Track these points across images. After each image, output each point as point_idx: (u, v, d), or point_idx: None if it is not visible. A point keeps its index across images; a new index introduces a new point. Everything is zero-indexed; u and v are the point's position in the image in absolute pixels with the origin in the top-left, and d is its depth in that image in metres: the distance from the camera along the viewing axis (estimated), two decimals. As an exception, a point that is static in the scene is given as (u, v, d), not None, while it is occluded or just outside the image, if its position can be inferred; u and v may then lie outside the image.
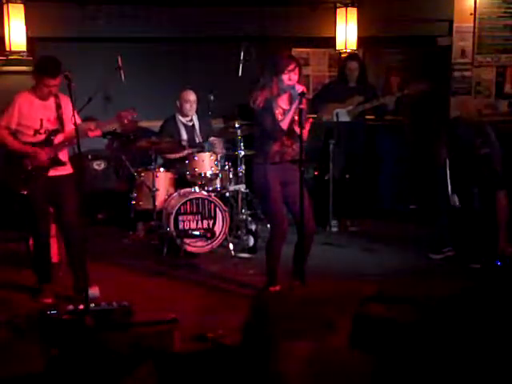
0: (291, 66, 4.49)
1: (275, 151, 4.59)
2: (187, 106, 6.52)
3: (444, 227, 5.77)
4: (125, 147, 6.51)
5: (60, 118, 4.67)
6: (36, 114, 4.61)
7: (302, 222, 4.28)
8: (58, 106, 4.67)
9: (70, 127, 4.63)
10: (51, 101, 4.66)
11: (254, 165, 4.76)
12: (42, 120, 4.61)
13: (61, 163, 4.71)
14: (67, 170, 4.79)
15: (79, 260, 4.50)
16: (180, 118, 6.59)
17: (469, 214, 5.51)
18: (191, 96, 6.52)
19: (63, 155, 4.76)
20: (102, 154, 7.25)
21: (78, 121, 4.67)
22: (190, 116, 6.60)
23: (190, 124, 6.62)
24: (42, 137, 4.63)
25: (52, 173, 4.70)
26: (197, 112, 6.64)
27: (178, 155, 6.41)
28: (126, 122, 4.81)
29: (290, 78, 4.48)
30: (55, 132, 4.66)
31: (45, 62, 4.63)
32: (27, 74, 5.19)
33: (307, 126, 4.53)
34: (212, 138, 6.58)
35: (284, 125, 4.49)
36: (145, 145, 6.20)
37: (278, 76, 4.50)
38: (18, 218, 5.08)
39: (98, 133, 4.73)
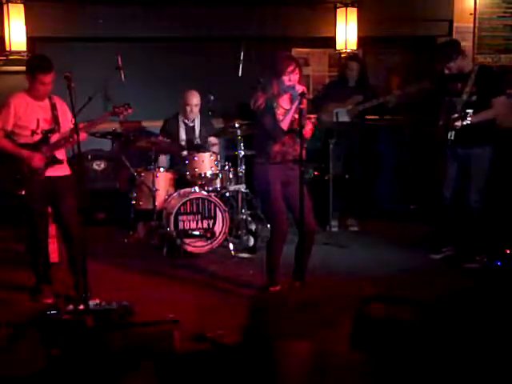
0: (291, 68, 4.50)
1: (276, 151, 4.60)
2: (187, 109, 6.49)
3: (444, 226, 5.78)
4: (125, 147, 6.50)
5: (56, 118, 4.68)
6: (32, 114, 4.61)
7: (303, 221, 4.28)
8: (53, 107, 4.69)
9: (66, 128, 4.68)
10: (46, 101, 4.68)
11: (254, 165, 4.76)
12: (38, 120, 4.62)
13: (58, 162, 4.71)
14: (65, 170, 4.79)
15: (79, 261, 4.49)
16: (182, 117, 6.59)
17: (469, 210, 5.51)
18: (194, 99, 6.47)
19: (61, 155, 4.76)
20: (102, 154, 7.26)
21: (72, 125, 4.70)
22: (191, 118, 6.58)
23: (191, 125, 6.62)
24: (39, 137, 4.63)
25: (49, 173, 4.69)
26: (200, 113, 6.63)
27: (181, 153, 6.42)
28: (121, 118, 4.92)
29: (290, 79, 4.50)
30: (52, 131, 4.66)
31: (35, 60, 4.69)
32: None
33: (311, 125, 4.55)
34: (211, 138, 6.58)
35: (284, 125, 4.50)
36: (145, 145, 6.21)
37: (278, 77, 4.52)
38: (17, 218, 5.08)
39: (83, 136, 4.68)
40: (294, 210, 4.60)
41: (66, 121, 4.72)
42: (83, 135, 4.55)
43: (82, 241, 4.50)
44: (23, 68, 4.71)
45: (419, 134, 7.28)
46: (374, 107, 6.79)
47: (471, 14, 7.43)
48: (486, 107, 5.31)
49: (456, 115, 5.30)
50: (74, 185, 4.78)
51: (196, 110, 6.52)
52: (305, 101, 4.36)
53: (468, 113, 5.24)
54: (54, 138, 4.68)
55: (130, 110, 4.87)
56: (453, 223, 5.69)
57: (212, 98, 6.65)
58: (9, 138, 4.60)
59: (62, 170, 4.76)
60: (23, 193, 4.59)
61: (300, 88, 4.39)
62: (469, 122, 5.23)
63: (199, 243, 5.92)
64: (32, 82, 4.58)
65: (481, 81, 5.33)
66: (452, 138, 5.39)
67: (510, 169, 6.54)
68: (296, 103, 4.42)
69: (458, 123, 5.29)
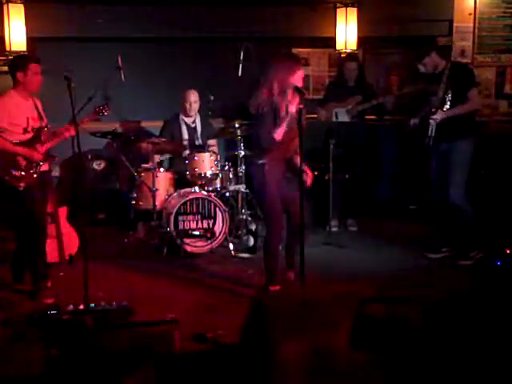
0: (296, 66, 4.56)
1: (275, 151, 4.61)
2: (186, 106, 6.52)
3: (441, 227, 5.78)
4: (125, 147, 6.51)
5: (41, 117, 4.80)
6: (23, 112, 4.70)
7: (303, 221, 4.28)
8: (36, 105, 4.81)
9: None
10: (30, 100, 4.78)
11: (252, 165, 4.77)
12: (28, 118, 4.71)
13: (52, 157, 4.86)
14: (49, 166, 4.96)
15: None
16: (183, 117, 6.60)
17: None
18: (192, 96, 6.52)
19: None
20: (102, 154, 7.26)
21: (45, 121, 4.81)
22: (191, 116, 6.60)
23: (193, 125, 6.62)
24: (30, 135, 4.72)
25: (42, 168, 4.81)
26: (200, 113, 6.64)
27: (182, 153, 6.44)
28: (101, 115, 5.09)
29: (295, 77, 4.53)
30: (42, 129, 4.77)
31: (20, 56, 5.01)
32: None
33: (310, 174, 4.71)
34: (209, 141, 6.59)
35: (278, 136, 4.51)
36: (145, 145, 6.20)
37: (284, 77, 4.52)
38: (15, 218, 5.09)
39: (73, 132, 4.74)
40: (289, 208, 4.62)
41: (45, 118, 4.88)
42: (70, 133, 4.70)
43: (83, 241, 4.54)
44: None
45: (418, 134, 7.28)
46: (373, 107, 6.80)
47: (471, 14, 7.43)
48: (462, 101, 5.37)
49: (433, 110, 5.38)
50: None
51: (195, 106, 6.54)
52: (299, 98, 4.41)
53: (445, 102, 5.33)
54: (44, 135, 4.78)
55: (108, 109, 5.06)
56: (449, 223, 5.70)
57: (212, 97, 6.66)
58: (1, 137, 4.62)
59: (47, 165, 4.90)
60: (22, 188, 4.62)
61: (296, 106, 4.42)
62: (447, 107, 5.30)
63: (199, 243, 5.92)
64: (25, 77, 4.65)
65: (454, 77, 5.38)
66: (433, 134, 5.43)
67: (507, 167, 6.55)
68: (288, 118, 4.45)
69: (438, 116, 5.35)
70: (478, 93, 5.77)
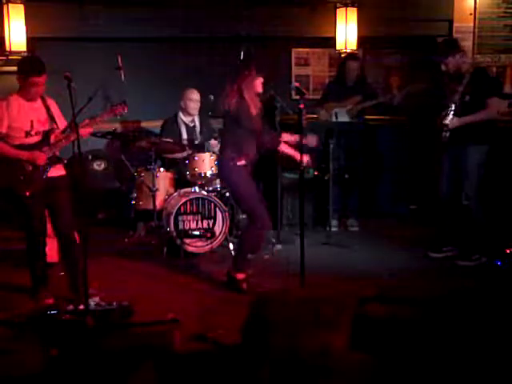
0: (255, 71, 4.80)
1: (254, 153, 4.84)
2: (191, 105, 6.53)
3: (444, 225, 5.78)
4: (125, 147, 6.50)
5: (52, 118, 4.67)
6: (26, 115, 4.58)
7: (302, 220, 4.29)
8: (48, 107, 4.68)
9: (62, 127, 4.70)
10: (39, 102, 4.66)
11: (233, 166, 4.79)
12: (32, 121, 4.59)
13: (60, 161, 4.73)
14: (62, 170, 4.79)
15: (76, 261, 4.58)
16: (182, 117, 6.60)
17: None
18: (196, 95, 6.54)
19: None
20: (102, 154, 7.26)
21: (64, 124, 4.71)
22: (193, 115, 6.61)
23: (192, 125, 6.63)
24: (33, 138, 4.60)
25: (50, 173, 4.69)
26: (200, 113, 6.66)
27: (179, 155, 6.41)
28: (118, 116, 4.93)
29: (257, 82, 4.78)
30: (51, 131, 4.66)
31: (27, 62, 4.71)
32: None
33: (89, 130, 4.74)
34: (212, 141, 6.59)
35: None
36: (145, 145, 6.20)
37: (253, 81, 4.74)
38: (16, 218, 5.07)
39: (90, 130, 4.71)
40: None
41: (60, 120, 4.75)
42: (87, 131, 4.62)
43: (78, 243, 4.51)
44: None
45: (420, 133, 7.28)
46: (374, 106, 6.80)
47: (471, 14, 7.44)
48: (480, 108, 5.34)
49: (443, 113, 5.37)
50: (69, 185, 4.80)
51: (196, 105, 6.55)
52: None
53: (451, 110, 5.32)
54: (53, 137, 4.68)
55: (126, 108, 4.88)
56: (453, 222, 5.69)
57: (212, 98, 6.66)
58: (2, 140, 4.57)
59: (58, 170, 4.76)
60: (28, 194, 4.57)
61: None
62: (450, 118, 5.30)
63: (199, 243, 5.92)
64: (24, 84, 4.55)
65: (475, 82, 5.36)
66: (447, 135, 5.43)
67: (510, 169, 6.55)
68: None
69: (446, 121, 5.35)
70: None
